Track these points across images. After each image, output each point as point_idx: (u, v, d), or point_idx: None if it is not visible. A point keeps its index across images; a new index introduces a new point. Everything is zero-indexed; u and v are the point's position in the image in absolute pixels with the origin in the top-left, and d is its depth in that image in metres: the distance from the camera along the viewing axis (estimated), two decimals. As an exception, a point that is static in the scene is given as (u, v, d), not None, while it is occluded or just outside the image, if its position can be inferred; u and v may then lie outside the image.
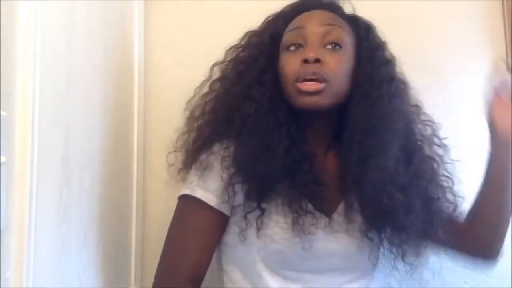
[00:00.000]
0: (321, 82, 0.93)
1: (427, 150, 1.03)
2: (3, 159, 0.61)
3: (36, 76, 0.69)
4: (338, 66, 0.96)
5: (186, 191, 0.97)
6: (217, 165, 0.95)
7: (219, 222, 0.97)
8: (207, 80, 1.07)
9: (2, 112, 0.62)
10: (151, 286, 1.23)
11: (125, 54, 1.19)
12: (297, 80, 0.94)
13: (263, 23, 1.08)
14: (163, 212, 1.11)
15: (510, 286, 1.24)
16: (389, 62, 1.03)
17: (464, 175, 1.28)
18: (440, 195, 1.02)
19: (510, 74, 1.03)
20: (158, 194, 1.25)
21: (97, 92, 0.98)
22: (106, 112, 1.03)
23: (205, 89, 1.07)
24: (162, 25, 1.33)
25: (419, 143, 1.02)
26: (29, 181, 0.67)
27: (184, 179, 1.00)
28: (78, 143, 0.87)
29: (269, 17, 1.09)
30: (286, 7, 1.08)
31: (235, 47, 1.08)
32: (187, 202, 0.97)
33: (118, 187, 1.11)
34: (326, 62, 0.94)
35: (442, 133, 1.23)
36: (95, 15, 0.97)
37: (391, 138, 0.94)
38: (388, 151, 0.94)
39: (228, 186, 0.93)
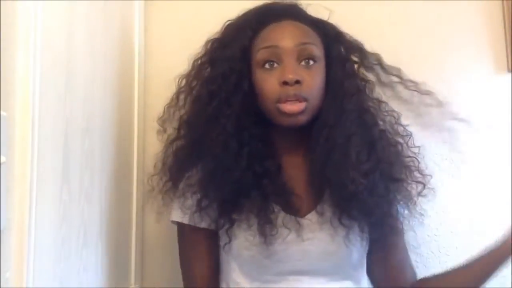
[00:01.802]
0: (301, 101, 0.97)
1: (390, 137, 1.06)
2: (3, 159, 0.61)
3: (36, 76, 0.68)
4: (315, 83, 1.00)
5: (172, 218, 1.05)
6: (186, 192, 1.02)
7: (210, 237, 1.03)
8: (176, 93, 1.11)
9: (2, 112, 0.62)
10: (151, 286, 1.24)
11: (125, 54, 1.19)
12: (279, 101, 0.98)
13: (226, 30, 1.09)
14: (163, 212, 1.11)
15: (510, 286, 1.24)
16: (354, 62, 1.08)
17: (465, 175, 1.28)
18: (406, 174, 1.05)
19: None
20: (157, 197, 1.24)
21: (97, 92, 0.98)
22: (106, 112, 1.03)
23: (173, 101, 1.11)
24: (162, 25, 1.33)
25: (381, 132, 1.05)
26: (29, 181, 0.67)
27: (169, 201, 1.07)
28: (78, 143, 0.87)
29: (230, 23, 1.09)
30: (249, 13, 1.08)
31: (199, 57, 1.09)
32: (179, 227, 1.05)
33: (118, 187, 1.11)
34: (304, 81, 0.98)
35: (441, 132, 1.23)
36: (95, 15, 0.97)
37: (355, 130, 0.99)
38: (352, 141, 0.98)
39: (199, 211, 0.99)
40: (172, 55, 1.30)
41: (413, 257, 1.26)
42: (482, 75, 1.32)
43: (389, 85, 1.09)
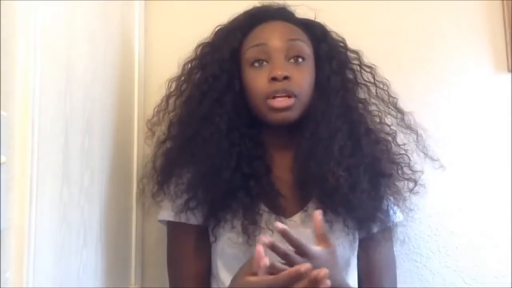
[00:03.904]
0: (290, 97, 0.98)
1: (376, 135, 1.07)
2: (3, 159, 0.61)
3: (36, 76, 0.68)
4: (304, 80, 1.01)
5: (161, 217, 1.06)
6: (177, 191, 1.01)
7: (201, 234, 1.03)
8: (166, 96, 1.12)
9: (2, 112, 0.62)
10: (151, 286, 1.24)
11: (125, 54, 1.19)
12: (267, 97, 0.98)
13: (216, 34, 1.10)
14: (158, 214, 1.11)
15: (510, 286, 1.24)
16: (342, 61, 1.08)
17: (464, 173, 1.28)
18: (395, 170, 1.06)
19: None
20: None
21: (97, 92, 0.98)
22: (106, 112, 1.03)
23: (162, 104, 1.12)
24: (162, 25, 1.33)
25: (367, 130, 1.06)
26: (29, 181, 0.67)
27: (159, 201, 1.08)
28: (78, 143, 0.87)
29: (220, 27, 1.10)
30: (239, 16, 1.10)
31: (190, 61, 1.10)
32: (169, 226, 1.06)
33: (118, 187, 1.11)
34: (293, 77, 0.98)
35: (442, 132, 1.23)
36: (95, 15, 0.97)
37: (340, 126, 1.00)
38: (336, 137, 0.99)
39: (186, 211, 1.00)
40: (172, 55, 1.30)
41: (413, 257, 1.26)
42: (482, 75, 1.32)
43: (364, 85, 1.10)
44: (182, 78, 1.11)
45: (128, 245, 1.18)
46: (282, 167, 1.04)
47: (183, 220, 1.01)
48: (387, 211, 1.05)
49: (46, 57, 0.72)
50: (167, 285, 1.13)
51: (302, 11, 1.14)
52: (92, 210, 0.94)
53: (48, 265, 0.74)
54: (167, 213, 1.04)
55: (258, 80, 1.00)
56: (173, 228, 1.05)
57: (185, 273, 1.03)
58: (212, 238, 1.01)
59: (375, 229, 1.03)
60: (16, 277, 0.64)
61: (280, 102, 0.98)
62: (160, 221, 1.08)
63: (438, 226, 1.27)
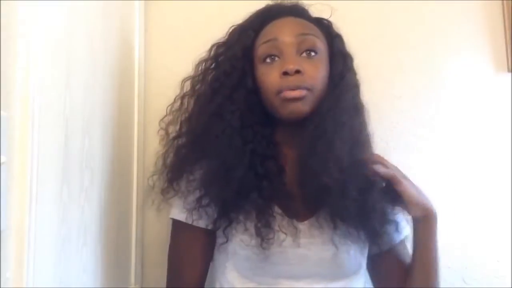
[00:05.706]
0: (302, 89, 0.96)
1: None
2: (3, 159, 0.61)
3: (36, 76, 0.69)
4: (317, 73, 0.99)
5: (171, 215, 1.04)
6: (189, 188, 1.01)
7: (207, 237, 1.02)
8: (179, 96, 1.11)
9: (2, 112, 0.62)
10: (151, 286, 1.24)
11: (125, 54, 1.19)
12: (279, 92, 0.97)
13: (230, 34, 1.10)
14: (163, 212, 1.11)
15: (510, 286, 1.24)
16: (352, 60, 1.07)
17: (464, 173, 1.29)
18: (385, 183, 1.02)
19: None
20: (158, 194, 1.25)
21: (97, 92, 0.98)
22: (106, 112, 1.03)
23: (177, 104, 1.11)
24: (162, 25, 1.33)
25: (367, 136, 1.04)
26: (29, 181, 0.67)
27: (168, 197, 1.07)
28: (78, 143, 0.87)
29: (234, 27, 1.10)
30: (252, 15, 1.09)
31: (204, 60, 1.10)
32: (174, 225, 1.04)
33: (118, 187, 1.11)
34: (305, 72, 0.97)
35: (442, 132, 1.23)
36: (95, 15, 0.97)
37: (346, 122, 0.98)
38: (339, 132, 0.97)
39: (197, 208, 0.98)
40: (172, 55, 1.31)
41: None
42: (482, 75, 1.32)
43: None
44: (196, 78, 1.10)
45: (128, 245, 1.18)
46: (294, 168, 1.02)
47: (190, 221, 1.00)
48: (395, 225, 1.04)
49: (46, 57, 0.72)
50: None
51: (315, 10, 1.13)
52: (92, 210, 0.94)
53: (48, 265, 0.74)
54: (178, 212, 1.02)
55: (270, 75, 0.98)
56: (179, 227, 1.04)
57: (185, 273, 1.02)
58: (223, 239, 0.99)
59: (385, 246, 1.03)
60: (16, 277, 0.64)
61: (293, 92, 0.96)
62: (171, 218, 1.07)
63: (438, 226, 1.27)
